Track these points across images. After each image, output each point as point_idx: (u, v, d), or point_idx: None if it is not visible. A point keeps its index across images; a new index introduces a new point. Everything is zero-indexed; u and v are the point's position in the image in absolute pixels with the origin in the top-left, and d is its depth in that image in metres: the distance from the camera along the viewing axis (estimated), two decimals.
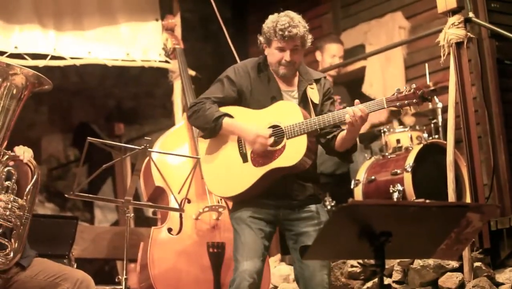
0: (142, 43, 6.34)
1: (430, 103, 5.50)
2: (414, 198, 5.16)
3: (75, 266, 4.83)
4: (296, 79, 4.00)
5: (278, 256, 5.66)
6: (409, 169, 5.20)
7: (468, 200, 4.87)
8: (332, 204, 5.78)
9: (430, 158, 5.27)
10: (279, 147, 3.83)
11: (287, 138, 3.82)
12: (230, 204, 4.14)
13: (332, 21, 7.28)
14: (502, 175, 4.55)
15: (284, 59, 3.89)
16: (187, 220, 4.88)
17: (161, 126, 7.77)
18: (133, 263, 5.31)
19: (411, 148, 5.38)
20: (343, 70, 6.75)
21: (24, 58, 5.77)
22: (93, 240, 6.13)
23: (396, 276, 4.69)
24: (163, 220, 4.94)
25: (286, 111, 3.87)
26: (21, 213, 3.76)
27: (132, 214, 4.44)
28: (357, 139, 3.98)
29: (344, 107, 3.86)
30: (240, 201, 3.93)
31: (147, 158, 4.39)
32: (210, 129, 3.91)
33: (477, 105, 4.68)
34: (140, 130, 9.00)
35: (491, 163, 4.59)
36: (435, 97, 5.47)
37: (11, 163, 3.81)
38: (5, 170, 3.78)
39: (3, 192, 3.76)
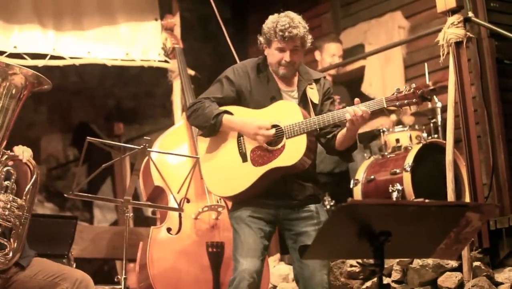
0: (141, 43, 6.34)
1: (429, 102, 5.53)
2: (413, 197, 5.15)
3: (74, 265, 4.83)
4: (295, 79, 4.00)
5: (278, 255, 5.66)
6: (409, 169, 5.20)
7: (467, 199, 4.87)
8: (332, 203, 5.78)
9: (430, 158, 5.27)
10: (279, 146, 3.83)
11: (286, 138, 3.82)
12: (229, 203, 4.14)
13: (332, 21, 7.29)
14: (501, 174, 4.55)
15: (284, 59, 3.89)
16: (186, 220, 4.88)
17: (161, 126, 7.78)
18: (132, 263, 5.32)
19: (410, 148, 5.38)
20: (343, 69, 6.75)
21: (23, 58, 5.77)
22: (92, 240, 6.13)
23: (396, 275, 4.69)
24: (162, 219, 4.94)
25: (286, 111, 3.87)
26: (20, 213, 3.75)
27: (131, 214, 4.44)
28: (357, 138, 3.98)
29: (344, 107, 3.86)
30: (239, 201, 3.93)
31: (146, 158, 4.39)
32: (210, 127, 3.90)
33: (476, 105, 4.68)
34: (139, 130, 9.01)
35: (490, 162, 4.59)
36: (434, 96, 5.49)
37: (10, 163, 3.80)
38: (4, 169, 3.77)
39: (2, 191, 3.75)
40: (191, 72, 6.12)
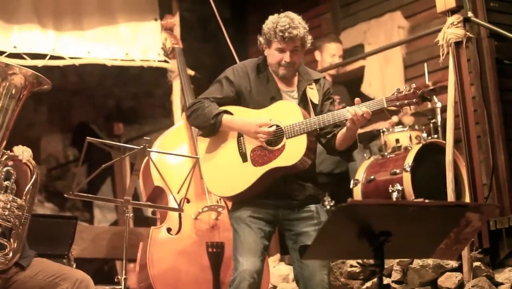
0: (141, 43, 6.34)
1: (429, 103, 5.52)
2: (413, 197, 5.15)
3: (74, 266, 4.83)
4: (295, 80, 4.00)
5: (278, 256, 5.66)
6: (408, 169, 5.20)
7: (467, 199, 4.87)
8: (331, 203, 5.78)
9: (429, 158, 5.27)
10: (279, 146, 3.83)
11: (286, 138, 3.82)
12: (229, 203, 4.14)
13: (332, 21, 7.28)
14: (501, 174, 4.55)
15: (284, 60, 3.89)
16: (186, 220, 4.88)
17: (161, 126, 7.78)
18: (132, 263, 5.32)
19: (410, 148, 5.38)
20: (342, 69, 6.75)
21: (23, 58, 5.77)
22: (92, 240, 6.13)
23: (396, 276, 4.69)
24: (162, 220, 4.94)
25: (286, 111, 3.87)
26: (20, 213, 3.75)
27: (131, 214, 4.44)
28: (357, 137, 3.98)
29: (343, 107, 3.87)
30: (239, 201, 3.93)
31: (146, 158, 4.39)
32: (209, 127, 3.90)
33: (476, 105, 4.68)
34: (139, 130, 9.01)
35: (490, 162, 4.59)
36: (434, 97, 5.48)
37: (10, 163, 3.80)
38: (4, 169, 3.77)
39: (2, 192, 3.75)
40: (191, 72, 6.12)
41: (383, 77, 6.74)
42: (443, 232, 2.85)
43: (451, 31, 4.60)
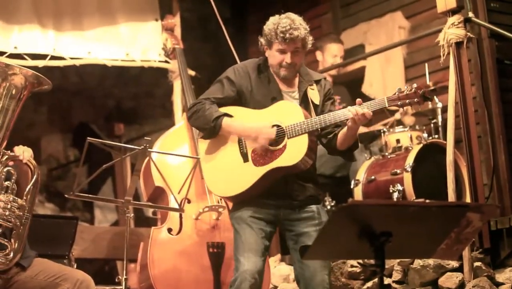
0: (141, 43, 6.33)
1: (430, 103, 5.53)
2: (414, 198, 5.15)
3: (75, 266, 4.83)
4: (296, 80, 4.01)
5: (278, 256, 5.66)
6: (409, 169, 5.20)
7: (468, 199, 4.87)
8: (332, 204, 5.78)
9: (430, 158, 5.27)
10: (280, 146, 3.83)
11: (288, 138, 3.82)
12: (230, 204, 4.14)
13: (332, 21, 7.28)
14: (502, 174, 4.55)
15: (285, 61, 3.89)
16: (187, 220, 4.88)
17: (161, 126, 7.78)
18: (133, 263, 5.31)
19: (411, 148, 5.38)
20: (343, 70, 6.75)
21: (23, 59, 5.77)
22: (93, 240, 6.13)
23: (396, 276, 4.69)
24: (163, 220, 4.94)
25: (287, 111, 3.87)
26: (21, 213, 3.75)
27: (132, 214, 4.44)
28: (358, 137, 3.98)
29: (344, 107, 3.87)
30: (240, 201, 3.93)
31: (147, 158, 4.39)
32: (210, 130, 3.91)
33: (477, 105, 4.68)
34: (140, 131, 9.01)
35: (491, 162, 4.59)
36: (434, 97, 5.49)
37: (11, 163, 3.80)
38: (5, 170, 3.77)
39: (3, 192, 3.75)
40: (192, 72, 6.12)
41: (384, 78, 6.74)
42: (443, 232, 2.85)
43: (452, 31, 4.60)
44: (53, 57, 5.93)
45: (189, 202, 4.84)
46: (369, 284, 4.82)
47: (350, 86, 6.51)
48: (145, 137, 4.24)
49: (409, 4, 6.66)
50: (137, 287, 4.92)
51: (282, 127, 3.84)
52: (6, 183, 3.77)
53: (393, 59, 6.68)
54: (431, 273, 4.49)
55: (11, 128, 3.82)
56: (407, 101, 3.74)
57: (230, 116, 3.90)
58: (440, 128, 5.58)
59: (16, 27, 5.90)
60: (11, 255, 3.71)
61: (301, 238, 3.87)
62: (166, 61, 6.29)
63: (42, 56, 5.89)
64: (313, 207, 3.92)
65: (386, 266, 4.16)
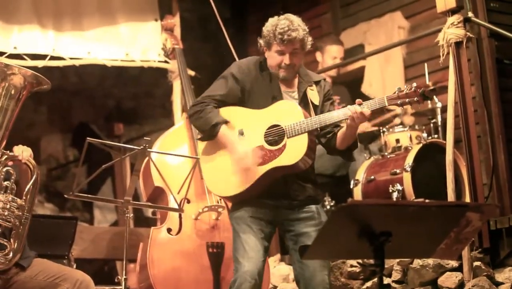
0: (141, 43, 6.33)
1: (429, 102, 5.53)
2: (414, 197, 5.16)
3: (74, 266, 4.83)
4: (296, 81, 4.01)
5: (278, 256, 5.66)
6: (409, 169, 5.20)
7: (467, 199, 4.87)
8: (332, 204, 5.78)
9: (430, 158, 5.27)
10: (280, 146, 3.83)
11: (287, 138, 3.82)
12: (230, 204, 4.14)
13: (332, 21, 7.29)
14: (501, 174, 4.55)
15: (283, 62, 3.89)
16: (186, 220, 4.88)
17: (161, 127, 7.77)
18: (132, 263, 5.31)
19: (410, 148, 5.38)
20: (343, 70, 6.76)
21: (23, 59, 5.77)
22: (92, 240, 6.13)
23: (396, 275, 4.69)
24: (162, 220, 4.94)
25: (287, 111, 3.87)
26: (20, 213, 3.75)
27: (132, 214, 4.44)
28: (357, 137, 3.99)
29: (343, 107, 3.87)
30: (240, 201, 3.93)
31: (147, 158, 4.39)
32: (208, 133, 3.92)
33: (476, 105, 4.68)
34: (139, 131, 9.01)
35: (490, 162, 4.59)
36: (434, 96, 5.49)
37: (10, 163, 3.80)
38: (4, 170, 3.77)
39: (2, 192, 3.75)
40: (191, 72, 6.12)
41: (384, 78, 6.74)
42: (443, 232, 2.85)
43: (452, 31, 4.60)
44: (53, 58, 5.93)
45: (188, 202, 4.84)
46: (369, 283, 4.82)
47: (350, 86, 6.51)
48: (145, 138, 4.24)
49: (409, 4, 6.66)
50: (136, 287, 4.92)
51: (282, 127, 3.84)
52: (6, 182, 3.77)
53: (393, 59, 6.68)
54: (431, 273, 4.49)
55: (10, 128, 3.82)
56: (407, 100, 3.74)
57: (228, 122, 3.90)
58: (439, 128, 5.58)
59: (16, 27, 5.90)
60: (11, 255, 3.71)
61: (300, 238, 3.87)
62: (165, 61, 6.29)
63: (42, 57, 5.89)
64: (313, 207, 3.92)
65: (386, 266, 4.15)
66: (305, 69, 4.08)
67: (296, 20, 3.90)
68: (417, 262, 4.53)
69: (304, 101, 3.95)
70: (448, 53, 4.64)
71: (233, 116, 3.94)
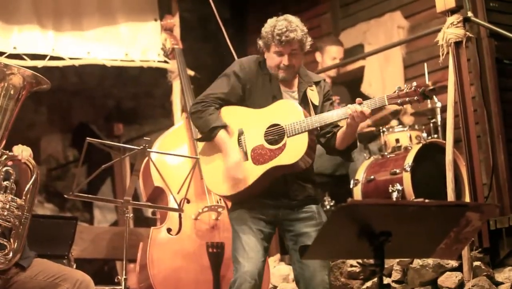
0: (141, 43, 6.33)
1: (429, 102, 5.53)
2: (413, 197, 5.15)
3: (74, 266, 4.83)
4: (296, 81, 4.01)
5: (278, 256, 5.66)
6: (408, 169, 5.20)
7: (467, 199, 4.87)
8: (331, 203, 5.78)
9: (429, 158, 5.27)
10: (280, 145, 3.83)
11: (287, 137, 3.82)
12: (229, 203, 4.14)
13: (331, 21, 7.29)
14: (501, 174, 4.55)
15: (282, 63, 3.89)
16: (186, 220, 4.88)
17: (160, 127, 7.78)
18: (132, 263, 5.32)
19: (410, 148, 5.38)
20: (342, 70, 6.76)
21: (23, 59, 5.76)
22: (92, 240, 6.13)
23: (396, 275, 4.69)
24: (162, 220, 4.94)
25: (287, 110, 3.87)
26: (20, 213, 3.75)
27: (131, 214, 4.44)
28: (357, 137, 3.99)
29: (344, 107, 3.87)
30: (239, 201, 3.93)
31: (146, 158, 4.39)
32: (206, 134, 3.93)
33: (476, 105, 4.68)
34: (139, 131, 9.01)
35: (490, 162, 4.59)
36: (434, 96, 5.49)
37: (10, 163, 3.80)
38: (3, 169, 3.77)
39: (1, 192, 3.74)
40: (191, 72, 6.12)
41: (383, 77, 6.74)
42: (443, 232, 2.85)
43: (451, 31, 4.60)
44: (52, 58, 5.93)
45: (188, 202, 4.84)
46: (369, 283, 4.82)
47: (350, 86, 6.51)
48: (145, 138, 4.24)
49: (408, 4, 6.66)
50: (136, 287, 4.92)
51: (282, 126, 3.84)
52: (5, 182, 3.76)
53: (392, 59, 6.68)
54: (431, 273, 4.49)
55: (9, 128, 3.82)
56: (407, 99, 3.74)
57: (227, 126, 3.90)
58: (439, 128, 5.58)
59: (15, 27, 5.90)
60: (11, 255, 3.71)
61: (300, 238, 3.87)
62: (165, 61, 6.29)
63: (42, 57, 5.89)
64: (313, 207, 3.92)
65: (386, 266, 4.15)
66: (305, 69, 4.08)
67: (294, 21, 3.89)
68: (417, 262, 4.53)
69: (304, 101, 3.96)
70: (447, 53, 4.64)
71: (234, 116, 3.94)
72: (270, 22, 3.92)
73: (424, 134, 5.52)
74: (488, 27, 4.64)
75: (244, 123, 3.92)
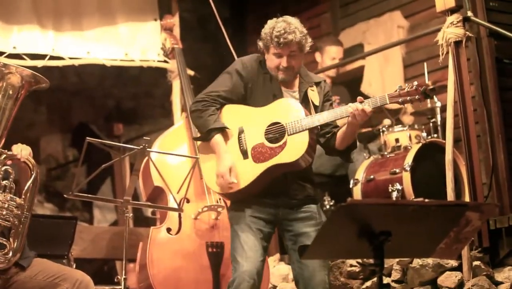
0: (140, 43, 6.33)
1: (429, 102, 5.53)
2: (413, 197, 5.15)
3: (74, 266, 4.83)
4: (297, 81, 4.01)
5: (277, 255, 5.65)
6: (408, 168, 5.20)
7: (467, 199, 4.87)
8: (331, 203, 5.78)
9: (429, 157, 5.27)
10: (280, 143, 3.83)
11: (288, 135, 3.82)
12: (229, 203, 4.14)
13: (331, 21, 7.29)
14: (501, 173, 4.55)
15: (281, 65, 3.89)
16: (186, 220, 4.88)
17: (160, 126, 7.78)
18: (132, 263, 5.32)
19: (410, 147, 5.38)
20: (342, 69, 6.76)
21: (23, 59, 5.76)
22: (92, 240, 6.13)
23: (395, 275, 4.69)
24: (162, 220, 4.94)
25: (287, 108, 3.87)
26: (19, 212, 3.75)
27: (131, 214, 4.44)
28: (356, 137, 3.99)
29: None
30: (239, 200, 3.93)
31: (146, 158, 4.38)
32: (204, 135, 3.93)
33: (476, 104, 4.68)
34: (139, 130, 9.01)
35: (490, 161, 4.59)
36: (434, 96, 5.48)
37: (9, 162, 3.79)
38: (3, 168, 3.76)
39: (1, 191, 3.74)
40: (191, 72, 6.12)
41: (383, 77, 6.74)
42: (443, 231, 2.85)
43: (451, 30, 4.60)
44: (52, 57, 5.93)
45: (188, 201, 4.84)
46: (368, 283, 4.82)
47: (349, 85, 6.51)
48: (144, 137, 4.24)
49: (408, 4, 6.66)
50: (136, 287, 4.92)
51: (282, 124, 3.84)
52: (4, 182, 3.76)
53: (392, 58, 6.68)
54: (430, 272, 4.49)
55: (8, 128, 3.82)
56: (408, 98, 3.74)
57: (227, 128, 3.90)
58: (439, 128, 5.58)
59: (15, 27, 5.90)
60: (10, 254, 3.71)
61: (299, 238, 3.86)
62: (165, 61, 6.29)
63: (41, 56, 5.89)
64: (312, 207, 3.92)
65: (385, 266, 4.15)
66: (306, 69, 4.09)
67: (293, 22, 3.89)
68: (417, 262, 4.53)
69: (305, 101, 3.96)
70: (447, 52, 4.64)
71: (234, 114, 3.95)
72: (270, 23, 3.92)
73: (424, 134, 5.52)
74: (488, 27, 4.64)
75: (245, 121, 3.93)
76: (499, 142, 4.57)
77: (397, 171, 5.27)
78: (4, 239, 3.72)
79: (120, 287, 4.08)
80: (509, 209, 4.49)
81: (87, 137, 4.01)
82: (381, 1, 6.87)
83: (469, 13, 4.61)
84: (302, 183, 3.92)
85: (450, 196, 4.54)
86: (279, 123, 3.85)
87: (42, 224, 4.82)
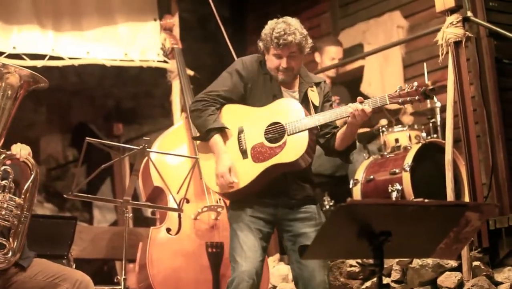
0: (140, 43, 6.33)
1: (428, 102, 5.54)
2: (413, 197, 5.16)
3: (74, 266, 4.83)
4: (297, 82, 4.01)
5: (277, 255, 5.65)
6: (408, 168, 5.20)
7: (466, 199, 4.87)
8: (331, 203, 5.78)
9: (429, 157, 5.27)
10: (280, 143, 3.83)
11: (288, 135, 3.82)
12: (228, 202, 4.14)
13: (331, 21, 7.29)
14: (500, 174, 4.55)
15: (281, 66, 3.90)
16: (186, 220, 4.88)
17: (160, 126, 7.78)
18: (132, 263, 5.31)
19: (409, 147, 5.38)
20: (342, 69, 6.76)
21: (22, 59, 5.76)
22: (92, 240, 6.13)
23: (395, 275, 4.69)
24: (162, 220, 4.94)
25: (287, 108, 3.87)
26: (19, 212, 3.74)
27: (131, 214, 4.44)
28: (356, 138, 3.99)
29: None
30: (238, 200, 3.93)
31: (146, 158, 4.38)
32: (203, 134, 3.93)
33: (475, 105, 4.68)
34: (139, 130, 9.01)
35: (489, 162, 4.59)
36: (433, 96, 5.49)
37: (8, 162, 3.79)
38: (2, 168, 3.76)
39: (0, 191, 3.74)
40: (190, 72, 6.12)
41: (383, 77, 6.74)
42: (442, 232, 2.85)
43: (451, 30, 4.60)
44: (52, 57, 5.93)
45: (188, 202, 4.84)
46: (368, 283, 4.82)
47: (349, 86, 6.51)
48: (144, 137, 4.24)
49: (408, 4, 6.66)
50: (136, 287, 4.92)
51: (282, 124, 3.84)
52: (3, 182, 3.76)
53: (392, 58, 6.68)
54: (430, 273, 4.49)
55: (7, 128, 3.81)
56: (408, 98, 3.75)
57: (226, 128, 3.90)
58: (439, 128, 5.58)
59: (15, 27, 5.90)
60: (10, 254, 3.71)
61: (299, 238, 3.86)
62: (164, 61, 6.29)
63: (41, 56, 5.89)
64: (312, 207, 3.92)
65: (385, 266, 4.15)
66: (306, 70, 4.09)
67: (294, 23, 3.89)
68: (417, 262, 4.53)
69: (305, 101, 3.96)
70: (447, 52, 4.64)
71: (234, 114, 3.95)
72: (270, 24, 3.92)
73: (424, 134, 5.52)
74: (488, 27, 4.64)
75: (245, 121, 3.93)
76: (499, 142, 4.57)
77: (397, 171, 5.27)
78: (3, 239, 3.72)
79: (120, 287, 4.08)
80: (508, 209, 4.49)
81: (87, 138, 4.01)
82: (381, 1, 6.87)
83: (469, 13, 4.62)
84: (302, 183, 3.92)
85: (450, 196, 4.54)
86: (279, 123, 3.85)
87: (42, 224, 4.82)
